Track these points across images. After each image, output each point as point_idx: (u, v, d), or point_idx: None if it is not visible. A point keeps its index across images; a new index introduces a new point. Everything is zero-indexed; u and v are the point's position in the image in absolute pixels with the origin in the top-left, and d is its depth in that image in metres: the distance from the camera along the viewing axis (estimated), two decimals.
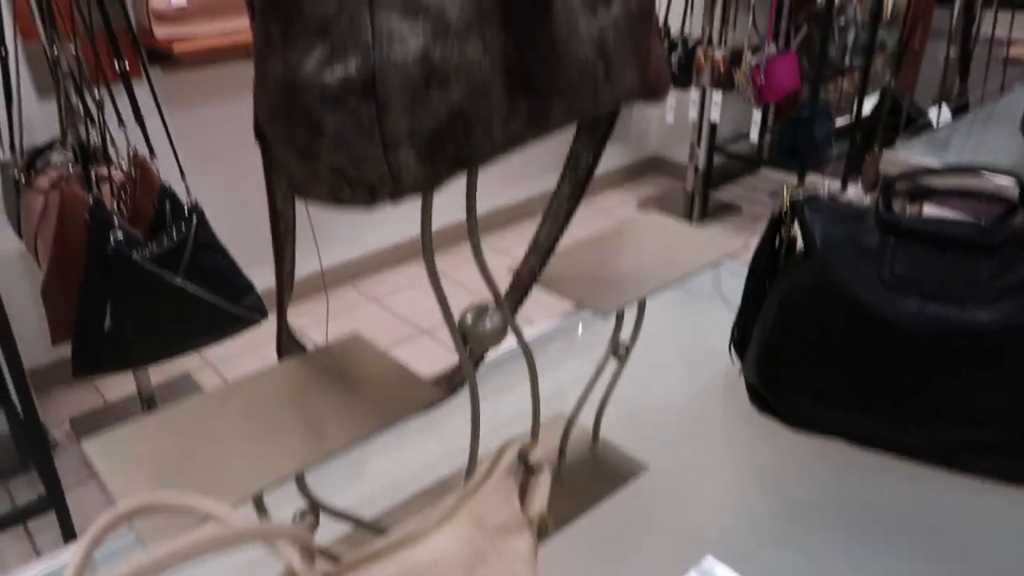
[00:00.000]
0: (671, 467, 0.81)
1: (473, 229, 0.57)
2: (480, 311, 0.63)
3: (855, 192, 2.18)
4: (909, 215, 1.26)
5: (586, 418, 0.81)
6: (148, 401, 2.00)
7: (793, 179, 3.34)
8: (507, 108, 0.43)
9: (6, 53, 1.61)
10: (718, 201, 3.51)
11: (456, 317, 0.61)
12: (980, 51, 2.68)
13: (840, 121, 3.77)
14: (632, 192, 3.63)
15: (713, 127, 3.32)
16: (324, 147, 0.41)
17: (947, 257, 0.77)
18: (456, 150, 0.42)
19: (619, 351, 0.79)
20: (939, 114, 1.99)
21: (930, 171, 0.86)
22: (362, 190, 0.42)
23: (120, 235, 1.38)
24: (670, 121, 3.14)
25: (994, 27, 2.70)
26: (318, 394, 0.59)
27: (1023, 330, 0.71)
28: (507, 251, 3.05)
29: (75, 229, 1.46)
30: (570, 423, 0.80)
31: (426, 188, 0.43)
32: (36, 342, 2.05)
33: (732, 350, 0.92)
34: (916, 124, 1.85)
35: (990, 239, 0.76)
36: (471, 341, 0.62)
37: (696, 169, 3.37)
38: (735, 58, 2.84)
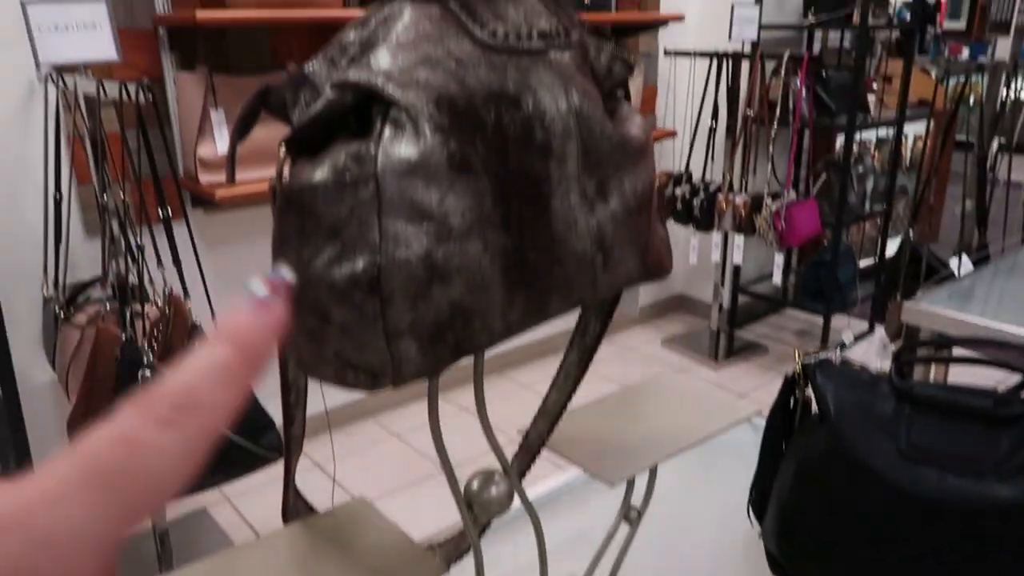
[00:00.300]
0: None
1: (481, 403, 0.58)
2: (486, 477, 0.63)
3: (881, 337, 2.16)
4: (933, 379, 1.25)
5: None
6: (161, 537, 1.97)
7: (818, 320, 3.33)
8: (506, 300, 0.45)
9: (60, 197, 1.72)
10: (743, 340, 3.50)
11: (463, 482, 0.61)
12: (1000, 194, 2.73)
13: (865, 262, 3.81)
14: (657, 329, 3.64)
15: (736, 268, 3.36)
16: (330, 334, 0.43)
17: (965, 428, 0.76)
18: (456, 340, 0.44)
19: (630, 515, 0.77)
20: (959, 265, 2.00)
21: (944, 342, 0.86)
22: (365, 376, 0.44)
23: (148, 373, 1.42)
24: (693, 262, 3.20)
25: (1009, 173, 2.76)
26: (323, 562, 0.58)
27: None
28: (531, 387, 3.04)
29: (106, 365, 1.50)
30: None
31: (426, 375, 0.44)
32: None
33: (750, 512, 0.89)
34: (938, 276, 1.86)
35: (1008, 411, 0.75)
36: (476, 508, 0.62)
37: (720, 308, 3.39)
38: (756, 203, 2.91)
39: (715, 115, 3.12)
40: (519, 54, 0.46)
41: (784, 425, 0.90)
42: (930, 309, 1.76)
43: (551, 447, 0.71)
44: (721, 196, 2.98)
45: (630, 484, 0.76)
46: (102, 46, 1.48)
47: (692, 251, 3.21)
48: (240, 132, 0.47)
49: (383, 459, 2.58)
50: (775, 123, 3.02)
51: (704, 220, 3.03)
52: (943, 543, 0.72)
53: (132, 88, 1.34)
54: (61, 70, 1.61)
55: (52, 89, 1.71)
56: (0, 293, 1.85)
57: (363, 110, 0.45)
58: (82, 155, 1.82)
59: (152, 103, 1.36)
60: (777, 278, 3.05)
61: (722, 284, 3.36)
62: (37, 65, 1.46)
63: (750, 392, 3.06)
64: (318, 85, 0.47)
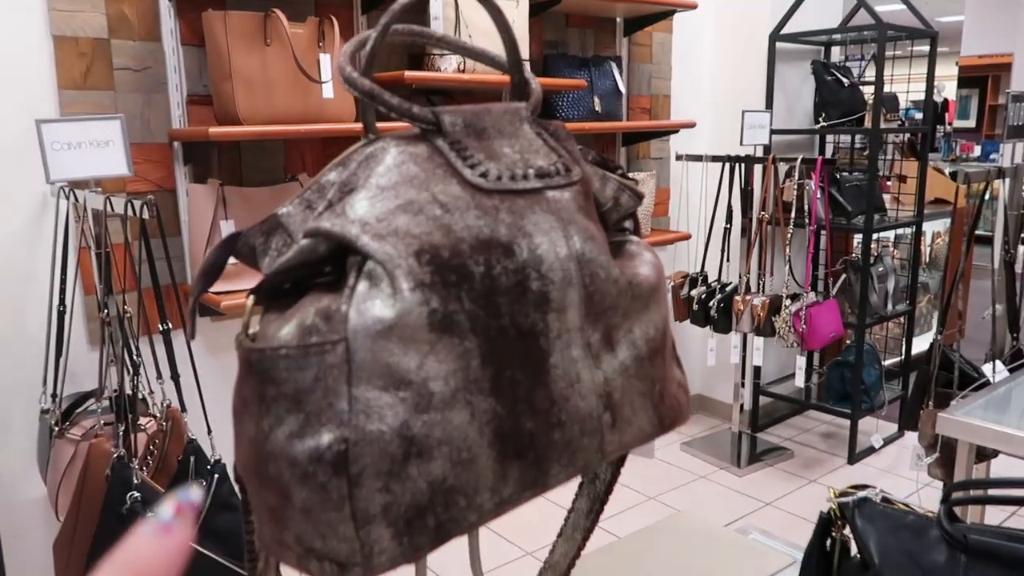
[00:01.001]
0: None
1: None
2: None
3: (915, 447, 2.05)
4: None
5: None
6: None
7: (844, 422, 3.20)
8: (497, 475, 0.39)
9: (64, 309, 1.70)
10: (766, 443, 3.36)
11: None
12: None
13: (889, 361, 3.70)
14: (675, 432, 3.52)
15: (757, 369, 3.27)
16: (292, 516, 0.37)
17: None
18: (438, 523, 0.37)
19: None
20: (994, 370, 1.91)
21: (990, 483, 0.78)
22: (330, 565, 0.37)
23: (137, 495, 1.35)
24: (711, 364, 3.11)
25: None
26: None
27: None
28: (550, 496, 2.91)
29: (96, 484, 1.44)
30: None
31: (403, 563, 0.38)
32: None
33: None
34: (973, 385, 1.78)
35: None
36: None
37: (741, 409, 3.28)
38: (774, 305, 2.86)
39: (729, 217, 3.11)
40: (513, 195, 0.42)
41: (822, 568, 0.81)
42: (966, 420, 1.66)
43: None
44: (738, 298, 2.93)
45: None
46: (114, 162, 1.49)
47: (710, 352, 3.13)
48: (203, 285, 0.43)
49: None
50: (791, 224, 3.00)
51: (721, 322, 2.97)
52: None
53: (138, 204, 1.33)
54: (74, 184, 1.61)
55: (64, 203, 1.72)
56: None
57: (340, 260, 0.40)
58: (89, 267, 1.81)
59: (156, 218, 1.35)
60: (800, 381, 2.95)
61: (742, 385, 3.26)
62: (48, 181, 1.46)
63: (776, 500, 2.91)
64: (291, 232, 0.42)
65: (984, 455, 1.87)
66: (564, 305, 0.41)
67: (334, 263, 0.41)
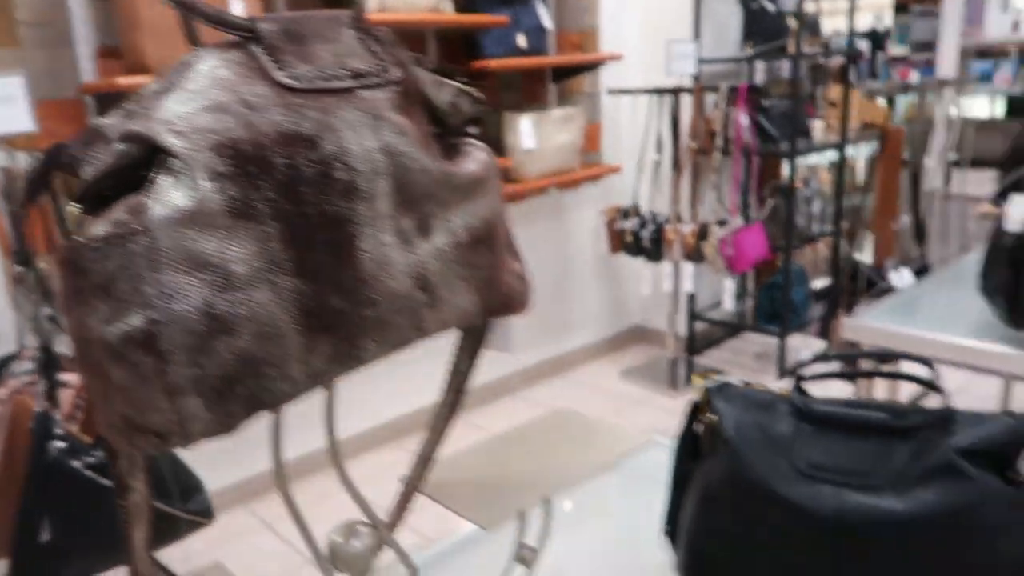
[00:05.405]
0: None
1: (335, 451, 0.55)
2: (349, 529, 0.60)
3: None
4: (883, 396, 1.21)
5: None
6: None
7: (776, 342, 3.33)
8: (305, 348, 0.43)
9: None
10: (702, 367, 3.49)
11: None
12: (953, 208, 2.76)
13: (821, 282, 3.85)
14: (615, 363, 3.61)
15: (691, 296, 3.37)
16: (113, 395, 0.41)
17: (862, 443, 0.75)
18: (249, 392, 0.41)
19: (525, 555, 0.74)
20: (901, 278, 2.01)
21: (846, 356, 0.85)
22: (151, 437, 0.41)
23: (62, 444, 1.37)
24: (646, 293, 3.20)
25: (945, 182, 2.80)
26: None
27: (938, 520, 0.67)
28: (484, 427, 2.98)
29: (21, 440, 1.45)
30: None
31: (220, 433, 0.42)
32: None
33: (669, 540, 0.87)
34: (877, 288, 1.87)
35: (905, 423, 0.74)
36: (341, 564, 0.59)
37: (676, 336, 3.38)
38: (702, 232, 2.93)
39: (659, 148, 3.15)
40: (323, 94, 0.45)
41: (691, 449, 0.88)
42: (870, 324, 1.76)
43: (431, 493, 0.68)
44: (669, 227, 3.00)
45: (522, 523, 0.73)
46: (18, 118, 1.46)
47: (645, 283, 3.22)
48: (30, 196, 0.45)
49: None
50: (717, 152, 3.06)
51: (653, 251, 3.05)
52: (844, 561, 0.70)
53: (35, 158, 1.32)
54: None
55: None
56: None
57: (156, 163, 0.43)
58: (3, 227, 1.79)
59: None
60: (728, 303, 3.06)
61: (676, 312, 3.36)
62: None
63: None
64: (110, 139, 0.45)
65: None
66: (373, 194, 0.45)
67: (153, 166, 0.44)
